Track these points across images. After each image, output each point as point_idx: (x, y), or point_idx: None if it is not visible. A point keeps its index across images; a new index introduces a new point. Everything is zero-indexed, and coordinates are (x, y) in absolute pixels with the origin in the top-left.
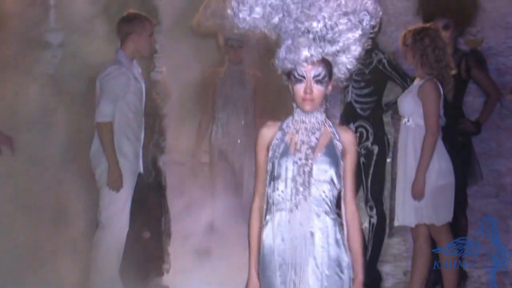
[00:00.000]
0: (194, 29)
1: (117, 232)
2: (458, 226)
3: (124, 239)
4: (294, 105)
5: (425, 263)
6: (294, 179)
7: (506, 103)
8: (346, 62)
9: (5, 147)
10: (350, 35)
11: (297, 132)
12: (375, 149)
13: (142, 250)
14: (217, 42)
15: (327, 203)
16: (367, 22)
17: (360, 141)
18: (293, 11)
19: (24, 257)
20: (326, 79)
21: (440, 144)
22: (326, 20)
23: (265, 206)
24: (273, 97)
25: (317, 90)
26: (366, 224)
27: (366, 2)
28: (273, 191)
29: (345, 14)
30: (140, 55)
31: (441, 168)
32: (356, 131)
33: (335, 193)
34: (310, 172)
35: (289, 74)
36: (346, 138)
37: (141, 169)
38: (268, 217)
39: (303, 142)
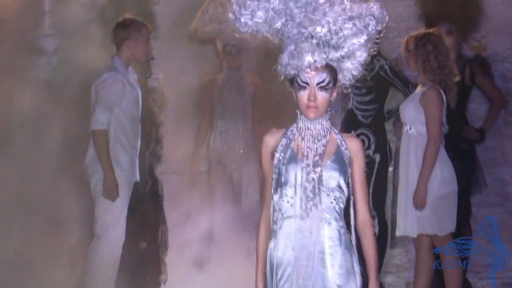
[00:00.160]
0: (191, 35)
1: (113, 242)
2: (461, 236)
3: (120, 249)
4: (298, 112)
5: (428, 274)
6: (303, 186)
7: (511, 110)
8: (351, 68)
9: None
10: (355, 40)
11: (302, 139)
12: (377, 157)
13: (139, 261)
14: (215, 48)
15: (337, 211)
16: (373, 27)
17: None
18: (296, 16)
19: (18, 266)
20: (331, 85)
21: (442, 152)
22: (331, 25)
23: (271, 215)
24: (272, 104)
25: (321, 97)
26: None
27: (371, 7)
28: (281, 198)
29: (350, 18)
30: (136, 61)
31: (443, 177)
32: None
33: (344, 200)
34: (320, 179)
35: (292, 80)
36: (353, 146)
37: (138, 178)
38: (275, 226)
39: (310, 149)
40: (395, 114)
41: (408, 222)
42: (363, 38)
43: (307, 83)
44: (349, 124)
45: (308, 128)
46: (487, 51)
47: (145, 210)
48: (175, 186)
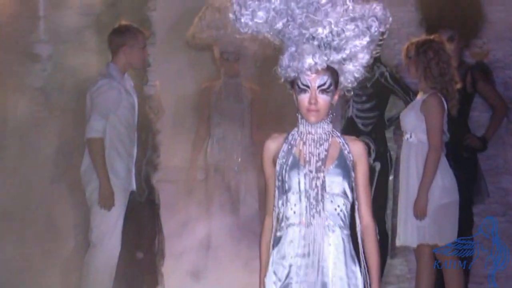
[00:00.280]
0: (188, 41)
1: (109, 251)
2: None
3: (116, 259)
4: (299, 116)
5: (429, 284)
6: (307, 193)
7: None
8: (353, 71)
9: None
10: (357, 42)
11: (304, 143)
12: (377, 166)
13: (135, 271)
14: (212, 55)
15: (341, 218)
16: (376, 29)
17: None
18: (297, 16)
19: (13, 274)
20: (332, 88)
21: (443, 161)
22: (332, 26)
23: (274, 223)
24: (271, 110)
25: (323, 100)
26: None
27: (374, 8)
28: (284, 205)
29: (353, 20)
30: (133, 68)
31: (444, 186)
32: None
33: (349, 206)
34: (323, 185)
35: (292, 83)
36: (356, 149)
37: (134, 187)
38: (278, 233)
39: (312, 154)
40: (395, 122)
41: (408, 231)
42: (365, 40)
43: (307, 86)
44: (349, 132)
45: (309, 132)
46: (489, 58)
47: (141, 219)
48: (171, 194)
